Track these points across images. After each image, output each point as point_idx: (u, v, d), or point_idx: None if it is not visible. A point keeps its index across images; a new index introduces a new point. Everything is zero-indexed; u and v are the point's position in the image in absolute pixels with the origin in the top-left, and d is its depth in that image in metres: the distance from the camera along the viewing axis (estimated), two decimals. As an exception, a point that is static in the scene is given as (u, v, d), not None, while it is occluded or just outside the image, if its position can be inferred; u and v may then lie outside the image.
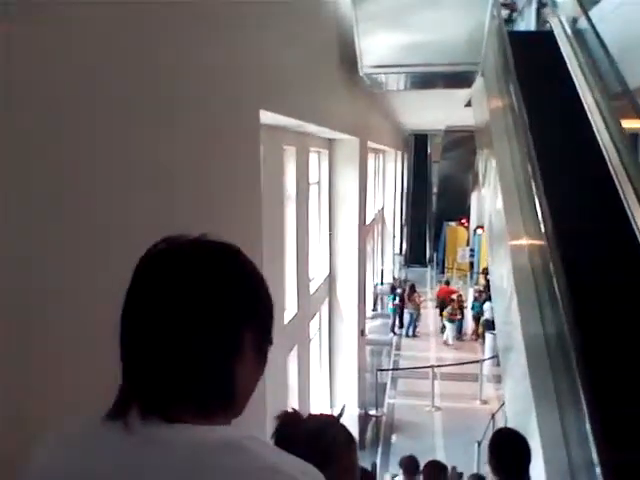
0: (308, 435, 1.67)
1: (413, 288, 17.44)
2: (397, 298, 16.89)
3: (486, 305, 14.91)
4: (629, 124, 6.94)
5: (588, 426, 3.56)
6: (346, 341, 9.81)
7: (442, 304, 16.73)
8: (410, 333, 16.43)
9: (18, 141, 1.51)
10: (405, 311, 16.70)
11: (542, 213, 5.44)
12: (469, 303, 16.98)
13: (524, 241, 6.19)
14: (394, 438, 10.75)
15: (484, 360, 12.81)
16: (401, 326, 16.65)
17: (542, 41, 9.10)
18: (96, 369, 1.17)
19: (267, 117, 4.28)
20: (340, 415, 7.83)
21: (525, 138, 6.40)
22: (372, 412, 10.94)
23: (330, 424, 1.81)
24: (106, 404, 0.95)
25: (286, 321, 6.54)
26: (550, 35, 9.01)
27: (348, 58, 7.31)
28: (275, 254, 5.85)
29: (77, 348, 1.73)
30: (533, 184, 5.80)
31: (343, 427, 1.82)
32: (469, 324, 16.41)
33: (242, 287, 0.98)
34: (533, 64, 7.88)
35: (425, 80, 8.46)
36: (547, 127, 6.70)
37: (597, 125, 7.03)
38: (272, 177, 5.57)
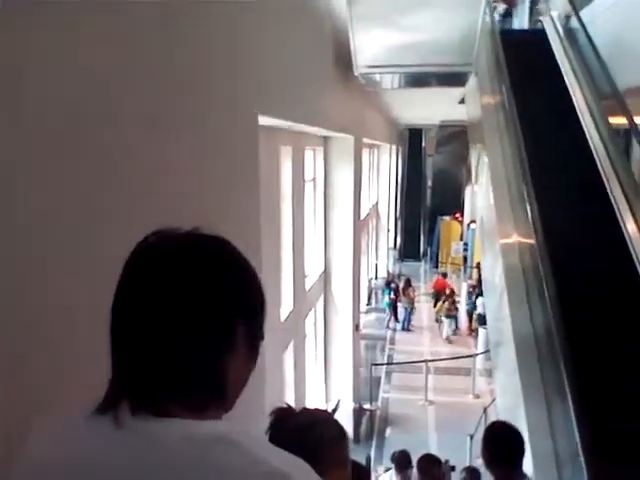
0: (297, 430, 1.68)
1: (409, 282, 17.60)
2: (392, 292, 17.02)
3: (479, 300, 15.04)
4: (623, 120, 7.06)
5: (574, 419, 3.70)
6: (341, 336, 9.93)
7: (437, 296, 16.89)
8: (405, 327, 16.58)
9: (19, 141, 1.52)
10: (399, 305, 16.84)
11: (531, 211, 5.57)
12: (463, 298, 17.12)
13: (514, 237, 6.31)
14: (388, 432, 10.88)
15: (477, 355, 12.94)
16: (396, 320, 16.79)
17: (534, 40, 9.20)
18: (95, 365, 1.16)
19: (264, 120, 4.37)
20: (335, 410, 7.96)
21: (516, 137, 6.51)
22: (366, 406, 11.04)
23: (320, 419, 1.81)
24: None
25: (283, 318, 6.65)
26: (542, 34, 9.12)
27: (343, 57, 7.38)
28: (272, 252, 5.95)
29: (76, 344, 1.74)
30: (523, 183, 5.94)
31: (334, 422, 1.83)
32: (463, 319, 16.56)
33: (234, 280, 0.98)
34: (525, 63, 7.99)
35: (419, 79, 8.58)
36: (538, 126, 6.81)
37: (587, 124, 7.14)
38: (269, 177, 5.66)
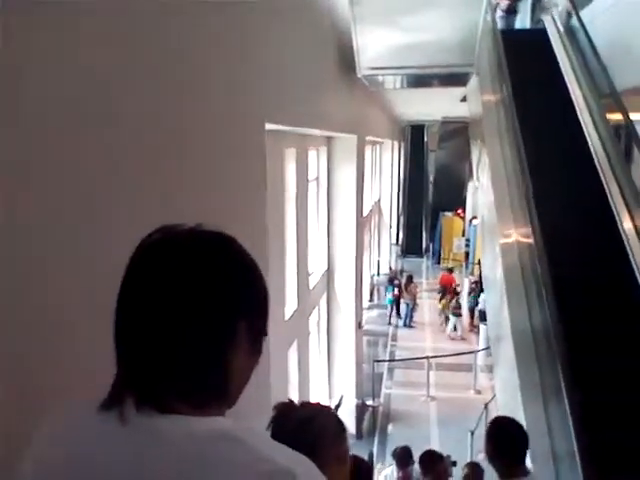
0: (295, 424, 1.68)
1: (410, 278, 17.70)
2: (395, 289, 17.10)
3: (481, 296, 15.10)
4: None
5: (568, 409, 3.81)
6: (344, 333, 10.04)
7: (443, 291, 16.98)
8: (407, 323, 16.68)
9: (19, 141, 1.52)
10: (402, 301, 16.94)
11: (530, 211, 5.69)
12: (464, 294, 17.20)
13: (514, 234, 6.42)
14: (390, 427, 10.97)
15: (478, 351, 13.03)
16: (398, 316, 16.89)
17: (536, 39, 9.26)
18: (95, 365, 1.19)
19: (270, 125, 4.48)
20: (338, 406, 8.08)
21: (515, 137, 6.61)
22: (369, 402, 11.14)
23: (318, 413, 1.79)
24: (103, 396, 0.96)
25: (287, 317, 6.76)
26: (544, 33, 9.19)
27: (346, 58, 7.46)
28: (277, 252, 6.05)
29: (76, 341, 1.74)
30: (522, 183, 6.05)
31: (332, 416, 1.82)
32: (465, 315, 16.62)
33: (237, 277, 0.97)
34: (526, 63, 8.06)
35: (422, 80, 8.69)
36: (538, 126, 6.90)
37: (586, 124, 7.22)
38: (273, 179, 5.76)
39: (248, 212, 3.87)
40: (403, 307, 16.86)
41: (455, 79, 8.66)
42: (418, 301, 17.46)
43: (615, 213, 6.04)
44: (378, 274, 19.59)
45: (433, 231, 24.70)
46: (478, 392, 11.92)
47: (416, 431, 10.22)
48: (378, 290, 18.68)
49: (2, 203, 1.45)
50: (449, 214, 23.93)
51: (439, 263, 23.03)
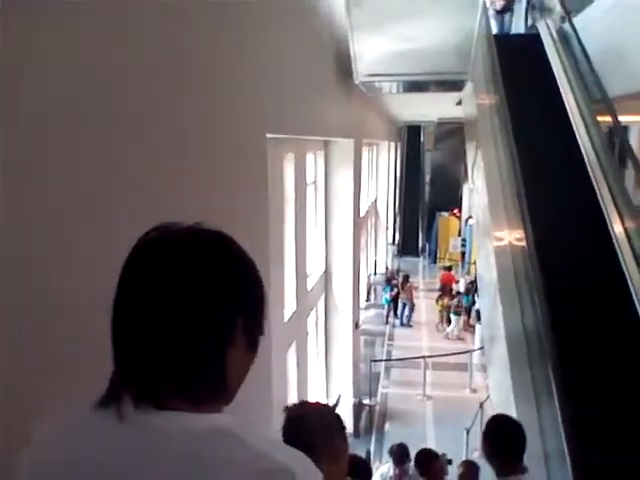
0: (289, 422, 1.74)
1: (407, 278, 17.89)
2: (394, 289, 17.26)
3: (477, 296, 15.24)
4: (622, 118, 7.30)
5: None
6: (341, 334, 10.13)
7: (443, 290, 17.13)
8: (405, 322, 16.83)
9: (18, 141, 1.52)
10: (399, 300, 17.10)
11: (523, 216, 5.86)
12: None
13: (507, 237, 6.58)
14: (387, 426, 11.07)
15: (474, 350, 13.18)
16: (395, 315, 17.05)
17: (529, 45, 9.41)
18: (95, 365, 1.18)
19: (271, 134, 4.61)
20: (336, 405, 8.19)
21: (509, 143, 6.77)
22: (366, 401, 11.24)
23: (311, 412, 1.83)
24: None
25: (286, 319, 6.90)
26: (537, 38, 9.34)
27: (343, 65, 7.58)
28: (276, 255, 6.18)
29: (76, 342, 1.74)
30: (515, 188, 6.22)
31: (326, 414, 1.85)
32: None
33: (235, 274, 0.98)
34: (520, 68, 8.21)
35: (418, 85, 8.88)
36: (531, 132, 7.06)
37: (578, 129, 7.38)
38: (273, 183, 5.89)
39: (250, 216, 3.95)
40: (400, 306, 17.01)
41: (451, 85, 8.85)
42: (415, 301, 17.59)
43: (605, 215, 6.21)
44: (375, 274, 19.74)
45: (429, 231, 24.80)
46: (474, 391, 12.04)
47: (412, 429, 10.32)
48: (375, 290, 18.80)
49: (2, 203, 1.44)
50: (445, 214, 24.07)
51: (435, 263, 23.19)
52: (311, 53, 6.21)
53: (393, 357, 14.33)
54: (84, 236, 1.82)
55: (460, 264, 21.03)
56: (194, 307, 0.92)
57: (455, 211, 23.90)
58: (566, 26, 8.57)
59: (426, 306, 17.74)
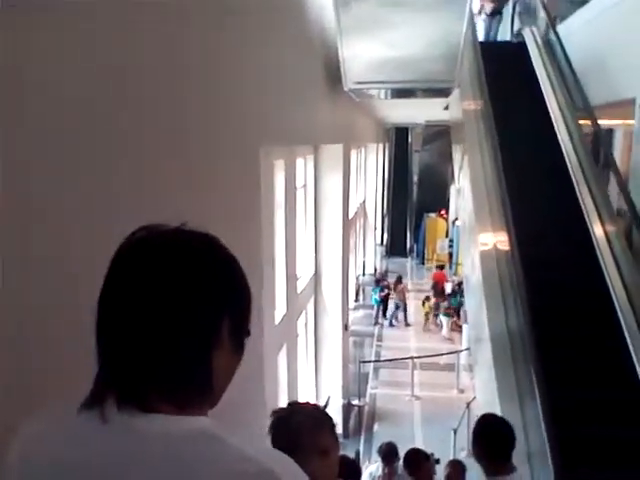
0: (276, 422, 1.77)
1: (400, 279, 18.10)
2: (384, 290, 17.40)
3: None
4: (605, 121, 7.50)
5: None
6: (330, 336, 10.25)
7: (434, 289, 17.30)
8: (395, 323, 16.98)
9: (18, 141, 1.52)
10: (390, 301, 17.26)
11: (507, 221, 6.03)
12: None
13: (492, 241, 6.75)
14: (376, 427, 11.18)
15: (461, 351, 13.34)
16: (384, 316, 17.19)
17: (515, 52, 9.61)
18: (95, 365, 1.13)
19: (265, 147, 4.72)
20: (325, 406, 8.28)
21: (494, 150, 6.94)
22: (355, 402, 11.35)
23: (297, 410, 1.85)
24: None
25: (277, 321, 7.01)
26: (523, 45, 9.53)
27: (331, 71, 7.68)
28: (267, 258, 6.29)
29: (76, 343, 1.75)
30: (500, 197, 6.39)
31: (312, 412, 1.86)
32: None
33: (220, 276, 0.97)
34: (505, 76, 8.39)
35: (406, 92, 9.08)
36: (516, 140, 7.23)
37: (562, 135, 7.56)
38: (265, 189, 5.99)
39: (242, 220, 4.01)
40: (391, 307, 17.14)
41: (438, 91, 9.05)
42: (407, 301, 17.74)
43: (586, 218, 6.39)
44: (364, 274, 19.89)
45: (417, 232, 24.97)
46: (461, 391, 12.17)
47: (401, 430, 10.43)
48: (364, 290, 18.95)
49: (2, 203, 1.43)
50: (433, 215, 24.25)
51: (423, 263, 23.38)
52: (303, 62, 6.30)
53: (382, 358, 14.46)
54: (84, 236, 1.82)
55: (448, 265, 21.22)
56: (180, 308, 0.92)
57: (442, 212, 24.10)
58: (551, 34, 8.76)
59: (415, 307, 17.88)
